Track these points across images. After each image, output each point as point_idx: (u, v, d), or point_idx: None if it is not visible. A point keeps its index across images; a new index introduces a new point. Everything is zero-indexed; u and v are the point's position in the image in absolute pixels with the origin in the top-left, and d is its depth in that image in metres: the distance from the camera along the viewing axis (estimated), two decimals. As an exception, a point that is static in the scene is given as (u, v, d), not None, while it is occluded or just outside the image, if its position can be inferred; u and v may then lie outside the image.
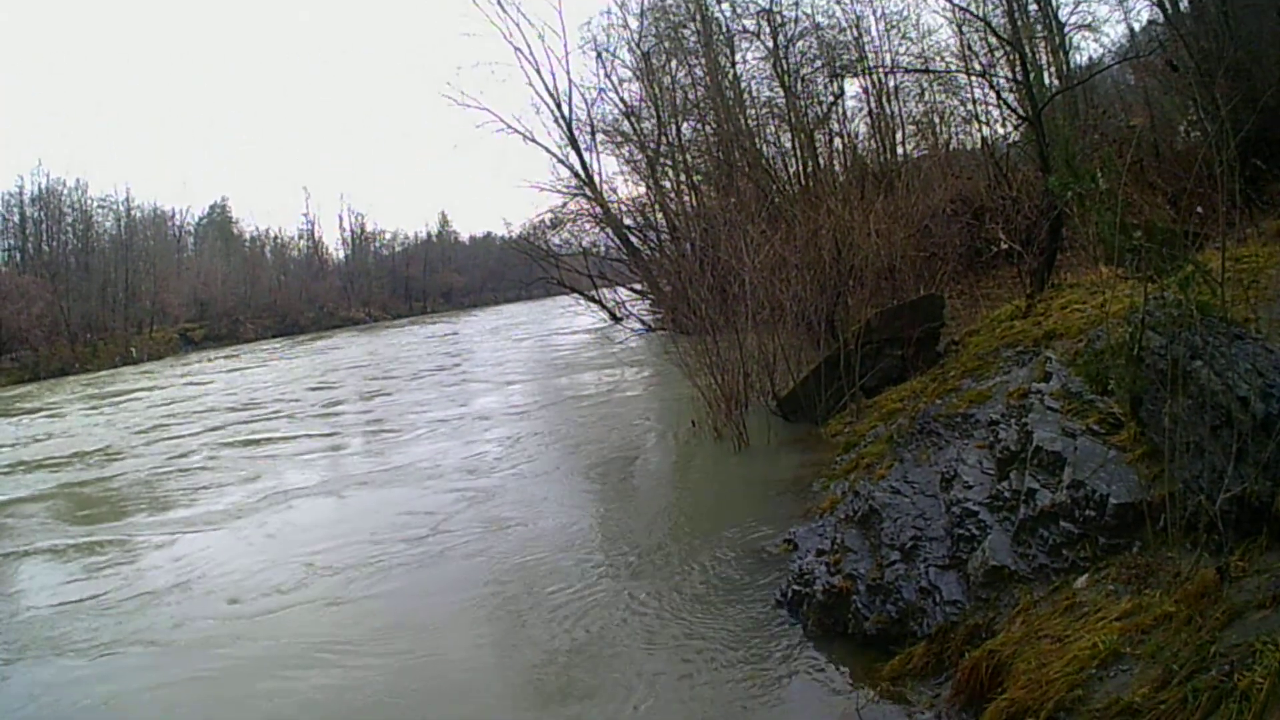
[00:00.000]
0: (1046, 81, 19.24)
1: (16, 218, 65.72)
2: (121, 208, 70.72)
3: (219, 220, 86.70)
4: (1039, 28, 20.60)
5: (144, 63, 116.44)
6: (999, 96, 18.32)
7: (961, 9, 19.61)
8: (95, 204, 69.04)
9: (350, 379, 26.56)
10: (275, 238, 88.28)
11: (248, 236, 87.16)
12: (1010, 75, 18.01)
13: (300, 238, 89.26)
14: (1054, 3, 20.41)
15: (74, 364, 52.33)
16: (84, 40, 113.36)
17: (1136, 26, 20.22)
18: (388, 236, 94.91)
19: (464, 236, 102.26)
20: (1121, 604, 3.69)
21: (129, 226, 70.96)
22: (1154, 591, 3.62)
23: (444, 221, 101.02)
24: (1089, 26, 20.96)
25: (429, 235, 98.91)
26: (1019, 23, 18.97)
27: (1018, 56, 15.39)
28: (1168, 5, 16.48)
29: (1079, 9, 20.48)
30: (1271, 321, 5.00)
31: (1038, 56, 19.95)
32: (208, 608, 7.32)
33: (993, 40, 19.16)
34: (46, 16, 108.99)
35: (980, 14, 19.29)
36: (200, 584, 7.94)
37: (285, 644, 6.35)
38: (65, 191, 66.94)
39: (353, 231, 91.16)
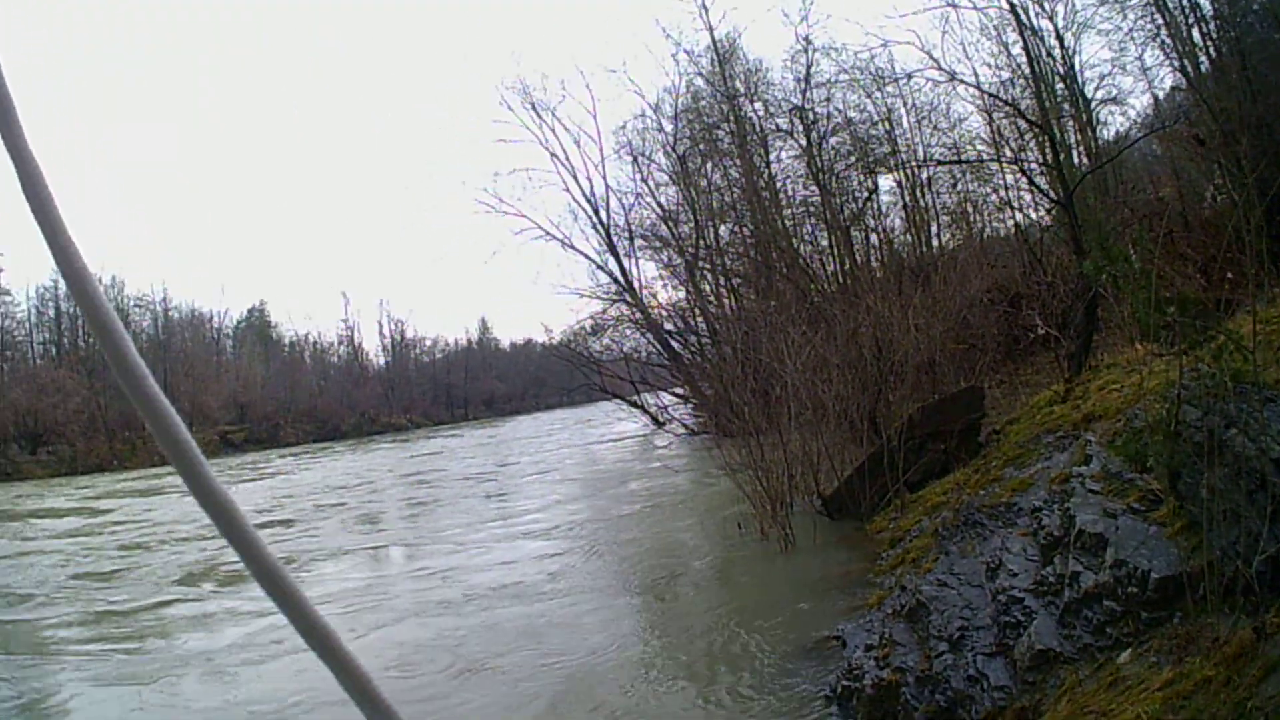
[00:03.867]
0: (1076, 160, 19.35)
1: (52, 312, 66.53)
2: (159, 307, 71.87)
3: (258, 324, 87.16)
4: (1066, 106, 20.77)
5: (181, 163, 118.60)
6: (1030, 181, 18.46)
7: (990, 95, 19.88)
8: (132, 303, 70.01)
9: (395, 487, 26.46)
10: (315, 342, 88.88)
11: (287, 341, 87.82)
12: (1041, 158, 18.20)
13: (340, 343, 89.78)
14: (1080, 80, 20.66)
15: (111, 460, 52.22)
16: (121, 137, 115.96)
17: (1160, 94, 20.41)
18: (428, 343, 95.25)
19: (504, 343, 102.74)
20: (1163, 674, 3.67)
21: (167, 327, 71.81)
22: (1194, 658, 3.61)
23: (484, 328, 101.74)
24: (1115, 100, 21.12)
25: (469, 342, 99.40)
26: (1046, 105, 19.18)
27: (1047, 139, 15.58)
28: (1189, 70, 16.66)
29: (1104, 83, 20.74)
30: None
31: (1066, 136, 20.06)
32: None
33: (1022, 124, 19.38)
34: (80, 108, 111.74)
35: (1009, 99, 19.55)
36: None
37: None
38: (102, 289, 67.75)
39: (393, 338, 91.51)
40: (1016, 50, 20.21)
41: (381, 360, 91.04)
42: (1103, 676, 4.08)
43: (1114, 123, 22.23)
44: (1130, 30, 18.77)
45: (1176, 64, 17.53)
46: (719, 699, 6.21)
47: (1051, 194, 15.61)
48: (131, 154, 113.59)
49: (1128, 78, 20.67)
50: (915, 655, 5.59)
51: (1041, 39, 19.57)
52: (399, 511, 20.25)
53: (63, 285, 47.00)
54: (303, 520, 19.09)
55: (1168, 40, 17.44)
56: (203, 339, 78.56)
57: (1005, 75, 21.06)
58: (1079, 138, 20.86)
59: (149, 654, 9.21)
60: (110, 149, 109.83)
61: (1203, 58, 16.26)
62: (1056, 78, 20.36)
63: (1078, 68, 20.68)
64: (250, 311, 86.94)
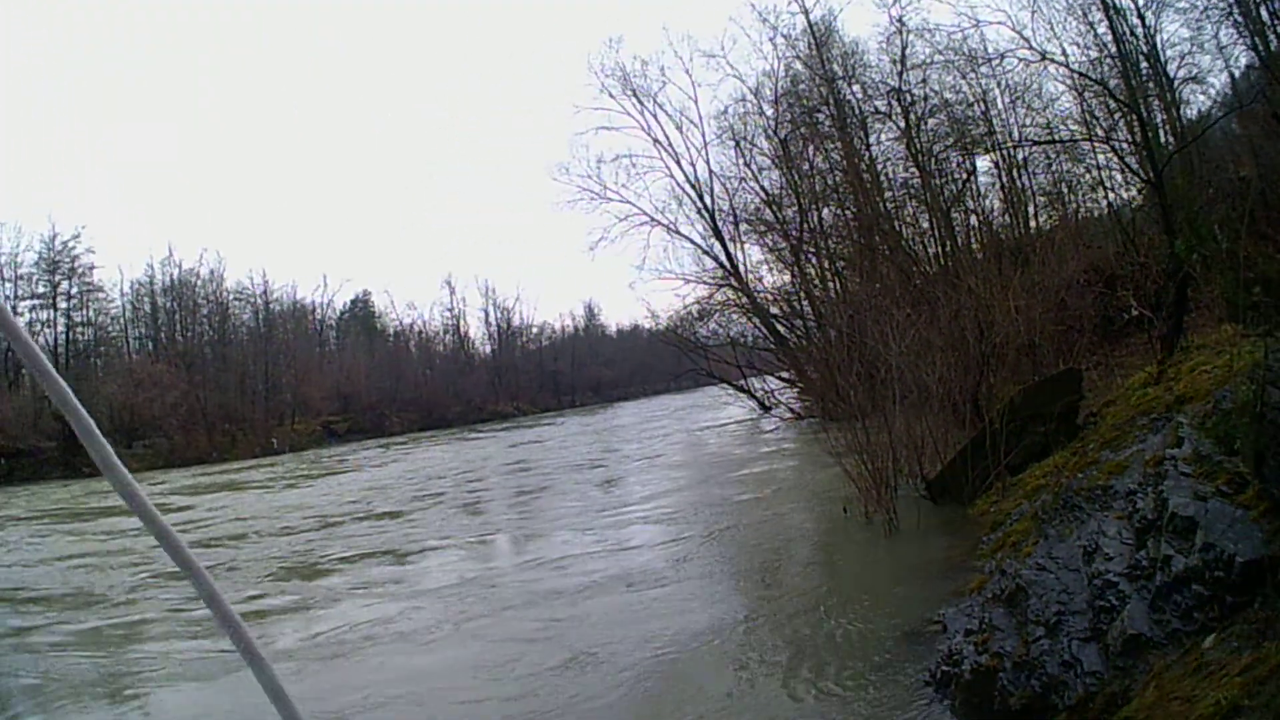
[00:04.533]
0: (1163, 139, 19.02)
1: (147, 307, 67.22)
2: (259, 299, 72.06)
3: (361, 314, 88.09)
4: (1151, 85, 20.40)
5: (279, 151, 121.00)
6: (1122, 160, 18.19)
7: (1080, 75, 19.60)
8: (231, 295, 70.41)
9: (501, 475, 26.93)
10: (420, 331, 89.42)
11: (391, 330, 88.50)
12: (1130, 138, 17.87)
13: (445, 331, 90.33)
14: (1163, 59, 20.29)
15: (211, 453, 52.69)
16: (219, 128, 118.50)
17: (1236, 73, 19.98)
18: (534, 330, 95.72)
19: (611, 329, 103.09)
20: (1243, 659, 3.71)
21: (268, 319, 72.05)
22: (1270, 644, 3.66)
23: (590, 314, 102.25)
24: (1196, 79, 20.70)
25: (575, 329, 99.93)
26: (1133, 83, 18.83)
27: (1135, 118, 15.34)
28: (1260, 48, 16.27)
29: (1185, 62, 20.31)
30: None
31: (1153, 115, 19.73)
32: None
33: (1112, 104, 19.10)
34: (179, 103, 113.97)
35: (1098, 78, 19.26)
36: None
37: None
38: (199, 282, 67.96)
39: (499, 325, 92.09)
40: (1102, 29, 19.94)
41: (487, 348, 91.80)
42: (1188, 661, 4.12)
43: (1196, 101, 21.84)
44: (1205, 8, 18.40)
45: (1249, 41, 17.17)
46: (821, 685, 6.35)
47: (1141, 174, 15.35)
48: (228, 141, 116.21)
49: (1206, 55, 20.19)
50: (1013, 640, 5.65)
51: (1124, 17, 19.24)
52: (505, 500, 20.61)
53: (159, 280, 48.15)
54: (409, 510, 19.53)
55: (1240, 19, 17.06)
56: (305, 331, 79.15)
57: (1093, 54, 20.84)
58: (1165, 117, 20.51)
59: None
60: (205, 138, 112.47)
61: (1271, 35, 15.88)
62: (1141, 56, 20.02)
63: (1160, 46, 20.38)
64: (354, 302, 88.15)
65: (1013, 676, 5.33)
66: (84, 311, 62.06)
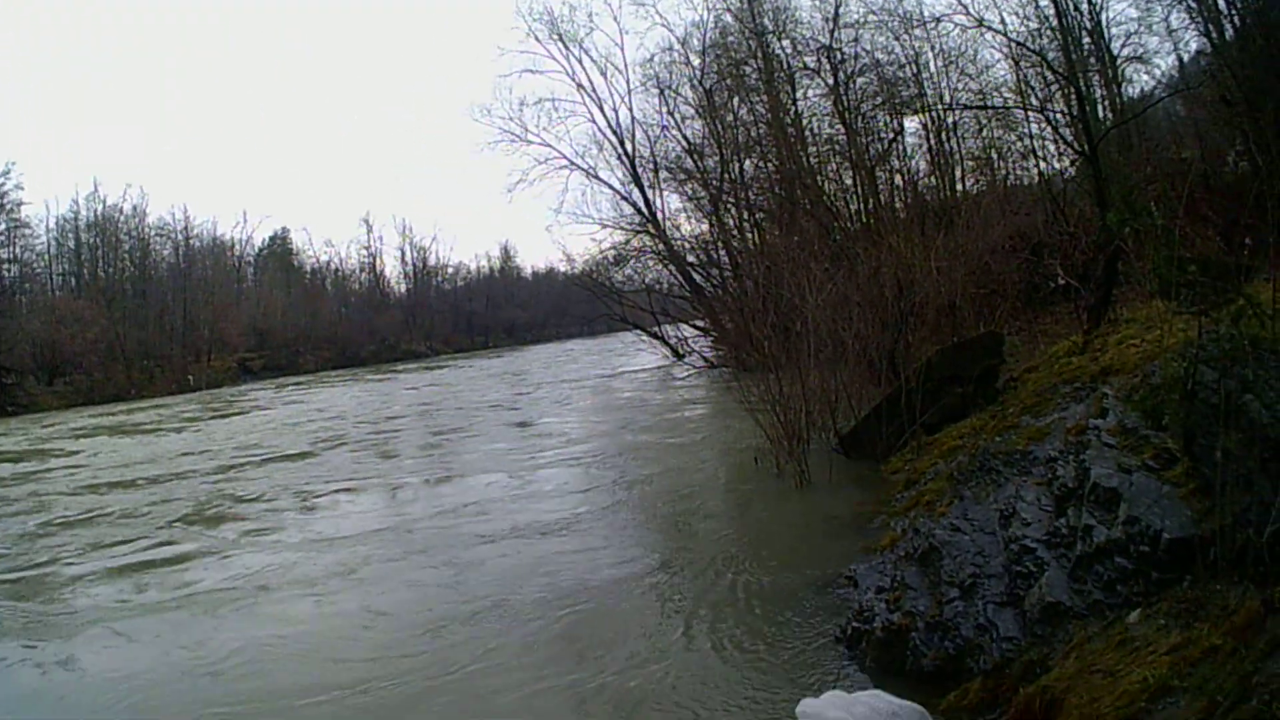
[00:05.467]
0: (1101, 115, 19.31)
1: (72, 243, 66.46)
2: (180, 236, 71.52)
3: (279, 251, 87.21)
4: (1092, 60, 20.65)
5: (201, 86, 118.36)
6: (1056, 131, 18.43)
7: (1018, 44, 19.80)
8: (153, 231, 69.83)
9: (416, 414, 26.53)
10: (336, 270, 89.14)
11: (308, 268, 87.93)
12: (1066, 110, 18.07)
13: (361, 270, 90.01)
14: (1107, 36, 20.51)
15: (129, 390, 52.47)
16: (141, 59, 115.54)
17: (1185, 57, 20.35)
18: (450, 270, 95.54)
19: (527, 271, 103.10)
20: (1171, 638, 3.71)
21: (188, 255, 71.56)
22: (1202, 625, 3.64)
23: (506, 256, 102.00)
24: (1140, 59, 21.03)
25: (491, 270, 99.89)
26: (1073, 57, 19.00)
27: (1073, 91, 15.46)
28: (1213, 35, 16.54)
29: (1130, 41, 20.59)
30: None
31: (1092, 90, 19.99)
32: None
33: (1049, 75, 19.32)
34: (106, 35, 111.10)
35: (1036, 49, 19.41)
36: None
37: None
38: (122, 218, 67.40)
39: (415, 265, 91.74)
40: (1045, 1, 20.00)
41: (403, 287, 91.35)
42: (1111, 635, 4.12)
43: (1139, 81, 22.20)
44: None
45: (1201, 28, 17.43)
46: (730, 637, 6.29)
47: (1076, 146, 15.52)
48: (157, 75, 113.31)
49: (1154, 37, 20.47)
50: (926, 600, 5.65)
51: None
52: (415, 443, 20.19)
53: (84, 215, 46.96)
54: (314, 452, 19.07)
55: (1194, 4, 17.28)
56: (224, 267, 78.21)
57: (1033, 25, 20.89)
58: (1104, 93, 20.82)
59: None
60: (134, 71, 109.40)
61: (1227, 24, 16.12)
62: (1084, 31, 20.24)
63: (1104, 23, 20.59)
64: (272, 239, 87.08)
65: (925, 637, 5.32)
66: (11, 248, 60.57)
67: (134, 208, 68.13)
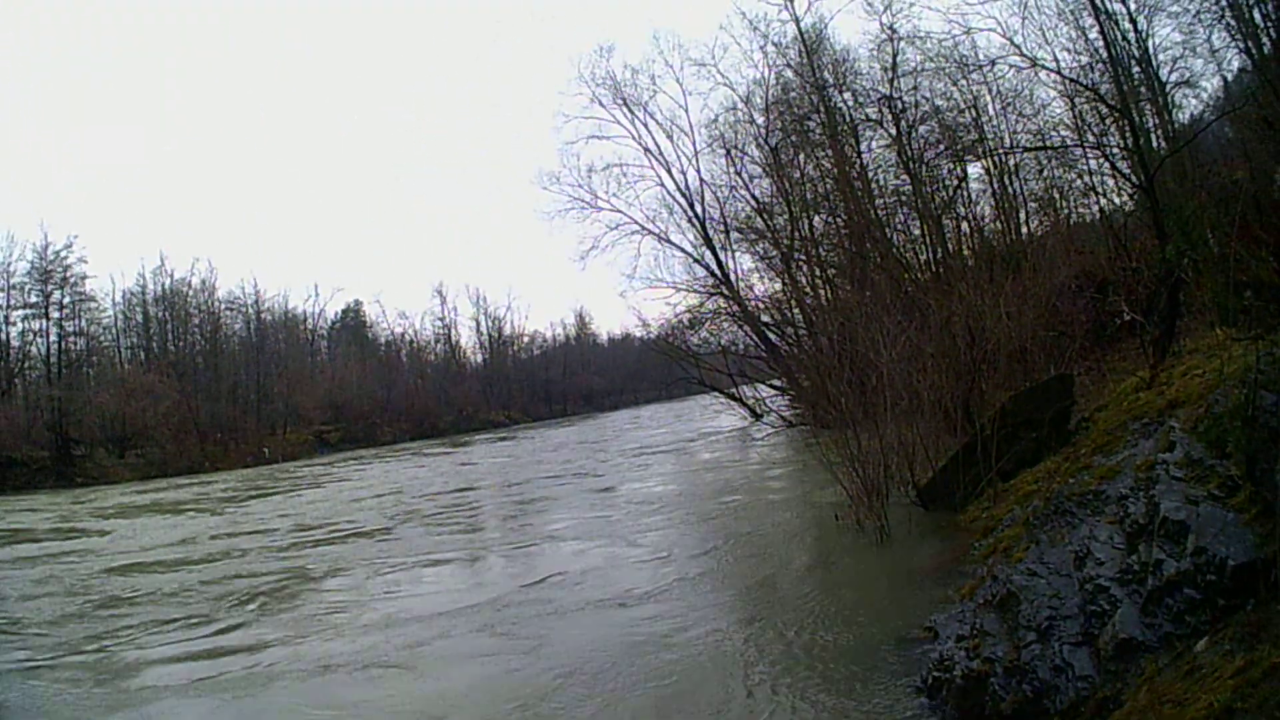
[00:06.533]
0: (1155, 144, 19.16)
1: (139, 316, 67.25)
2: (251, 309, 72.25)
3: (353, 323, 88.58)
4: (1142, 90, 20.52)
5: (268, 159, 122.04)
6: (1113, 166, 18.30)
7: (1071, 80, 19.71)
8: (223, 305, 70.45)
9: (492, 486, 26.52)
10: (411, 341, 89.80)
11: (383, 340, 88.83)
12: (1122, 142, 17.98)
13: (437, 341, 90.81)
14: (1155, 63, 20.44)
15: (203, 462, 52.48)
16: (208, 134, 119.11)
17: (1229, 76, 20.17)
18: (525, 340, 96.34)
19: (602, 337, 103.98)
20: (1236, 662, 3.70)
21: (259, 329, 72.31)
22: (1264, 646, 3.64)
23: (581, 323, 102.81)
24: (1188, 83, 20.90)
25: (567, 338, 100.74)
26: (1125, 88, 18.91)
27: (1127, 123, 15.42)
28: (1253, 51, 16.41)
29: (1177, 66, 20.47)
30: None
31: (1144, 120, 19.87)
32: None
33: (1103, 109, 19.19)
34: (174, 112, 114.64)
35: (1089, 83, 19.35)
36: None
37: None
38: (190, 292, 68.06)
39: (490, 335, 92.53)
40: (1094, 34, 20.03)
41: (479, 357, 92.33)
42: (1180, 665, 4.11)
43: (1189, 105, 22.02)
44: (1197, 12, 18.58)
45: (1241, 46, 17.34)
46: (814, 694, 6.33)
47: (1133, 178, 15.44)
48: (224, 150, 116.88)
49: (1198, 60, 20.36)
50: (1004, 645, 5.64)
51: (1116, 22, 19.33)
52: (496, 513, 20.27)
53: (151, 289, 48.07)
54: (397, 525, 19.06)
55: (1232, 22, 17.20)
56: (297, 340, 79.57)
57: (1084, 60, 20.88)
58: (1157, 121, 20.64)
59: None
60: (200, 147, 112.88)
61: (1265, 39, 16.01)
62: (1133, 61, 20.13)
63: (1152, 50, 20.52)
64: (345, 311, 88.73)
65: (1004, 681, 5.32)
66: (76, 321, 61.53)
67: (203, 281, 69.16)
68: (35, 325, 59.01)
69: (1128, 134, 15.87)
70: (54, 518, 28.13)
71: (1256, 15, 16.28)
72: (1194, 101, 21.90)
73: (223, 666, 9.16)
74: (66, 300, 60.14)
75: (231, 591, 13.03)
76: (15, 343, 58.61)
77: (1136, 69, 20.38)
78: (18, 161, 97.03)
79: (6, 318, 58.04)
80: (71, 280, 59.99)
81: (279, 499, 28.90)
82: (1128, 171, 16.92)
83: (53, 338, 59.51)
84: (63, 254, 58.69)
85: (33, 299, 58.72)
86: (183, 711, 7.99)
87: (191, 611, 11.91)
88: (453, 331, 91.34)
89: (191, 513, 26.82)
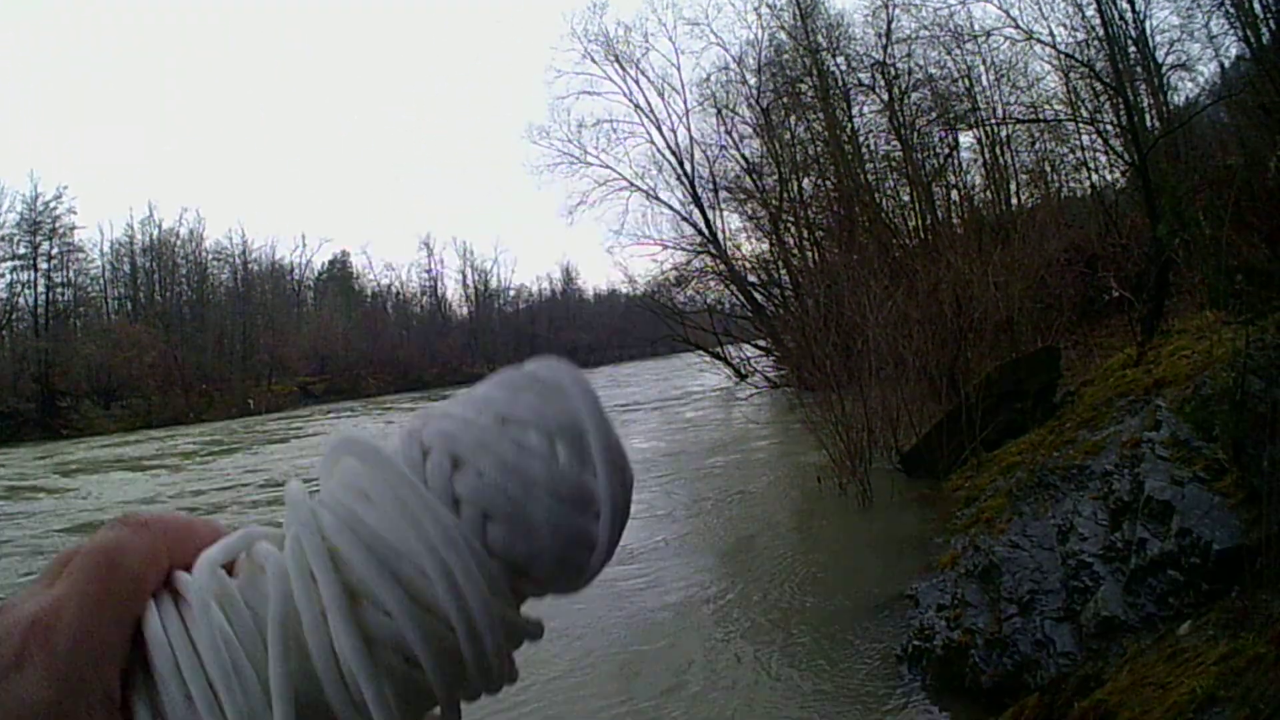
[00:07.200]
0: (1149, 124, 19.20)
1: (127, 267, 67.43)
2: (238, 260, 72.57)
3: (339, 275, 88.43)
4: (1138, 70, 20.54)
5: (256, 108, 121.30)
6: (1106, 142, 18.34)
7: (1066, 55, 19.70)
8: (210, 256, 70.82)
9: None
10: (397, 293, 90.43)
11: (369, 292, 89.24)
12: (1115, 120, 17.99)
13: (423, 293, 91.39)
14: (1151, 44, 20.46)
15: (188, 414, 52.79)
16: (198, 84, 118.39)
17: (1226, 63, 20.23)
18: (511, 293, 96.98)
19: (589, 293, 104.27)
20: (1219, 648, 3.73)
21: (246, 279, 72.48)
22: (1248, 635, 3.67)
23: (568, 278, 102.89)
24: (1184, 66, 20.96)
25: (553, 292, 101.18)
26: (1120, 67, 18.90)
27: (1121, 101, 15.42)
28: (1251, 40, 16.45)
29: (1174, 49, 20.47)
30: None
31: (1139, 100, 19.89)
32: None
33: (1097, 86, 19.23)
34: (160, 61, 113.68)
35: (1084, 60, 19.35)
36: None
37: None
38: (178, 242, 68.45)
39: (476, 288, 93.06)
40: (1091, 12, 19.96)
41: (464, 310, 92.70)
42: (1163, 647, 4.15)
43: (1184, 88, 22.06)
44: None
45: (1240, 33, 17.37)
46: (793, 657, 6.38)
47: (1126, 156, 15.46)
48: (213, 100, 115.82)
49: (1195, 44, 20.38)
50: (986, 617, 5.68)
51: (1114, 1, 19.25)
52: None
53: (139, 239, 47.64)
54: None
55: (1231, 10, 17.22)
56: (283, 291, 79.51)
57: (1080, 36, 20.83)
58: (1151, 101, 20.66)
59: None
60: (191, 98, 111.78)
61: (1264, 29, 16.03)
62: (1129, 41, 20.10)
63: (1149, 32, 20.55)
64: (332, 262, 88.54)
65: (985, 654, 5.36)
66: (64, 272, 61.76)
67: (190, 232, 69.72)
68: (23, 277, 59.09)
69: (1121, 112, 15.84)
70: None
71: (1256, 5, 16.32)
72: (1189, 85, 21.99)
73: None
74: (55, 251, 60.25)
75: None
76: (3, 294, 58.66)
77: (1133, 48, 20.40)
78: (8, 113, 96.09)
79: (-6, 268, 57.86)
80: (60, 231, 60.22)
81: (257, 455, 28.83)
82: (1120, 149, 16.96)
83: (40, 289, 59.57)
84: (52, 205, 58.84)
85: (21, 250, 58.76)
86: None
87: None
88: (439, 284, 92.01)
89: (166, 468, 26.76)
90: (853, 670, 5.99)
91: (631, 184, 38.42)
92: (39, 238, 58.68)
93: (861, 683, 5.80)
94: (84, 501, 20.33)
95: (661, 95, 38.20)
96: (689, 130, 37.05)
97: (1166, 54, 20.79)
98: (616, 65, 37.92)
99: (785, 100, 31.03)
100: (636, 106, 37.94)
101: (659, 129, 37.46)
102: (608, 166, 39.05)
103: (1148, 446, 5.84)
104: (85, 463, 30.39)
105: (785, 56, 31.43)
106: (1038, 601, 5.45)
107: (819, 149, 29.41)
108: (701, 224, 36.44)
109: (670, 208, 37.50)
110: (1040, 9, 21.15)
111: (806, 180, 30.80)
